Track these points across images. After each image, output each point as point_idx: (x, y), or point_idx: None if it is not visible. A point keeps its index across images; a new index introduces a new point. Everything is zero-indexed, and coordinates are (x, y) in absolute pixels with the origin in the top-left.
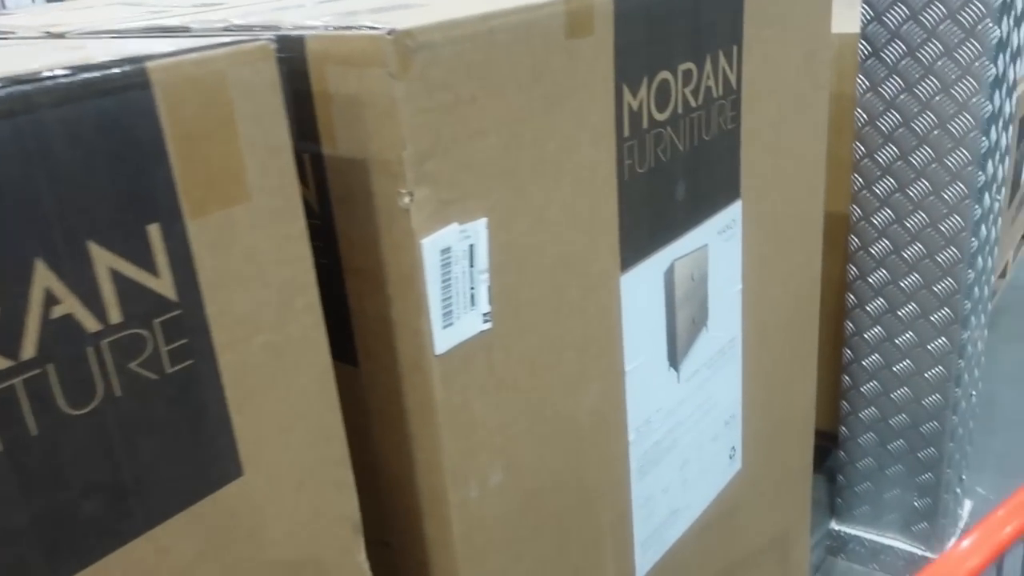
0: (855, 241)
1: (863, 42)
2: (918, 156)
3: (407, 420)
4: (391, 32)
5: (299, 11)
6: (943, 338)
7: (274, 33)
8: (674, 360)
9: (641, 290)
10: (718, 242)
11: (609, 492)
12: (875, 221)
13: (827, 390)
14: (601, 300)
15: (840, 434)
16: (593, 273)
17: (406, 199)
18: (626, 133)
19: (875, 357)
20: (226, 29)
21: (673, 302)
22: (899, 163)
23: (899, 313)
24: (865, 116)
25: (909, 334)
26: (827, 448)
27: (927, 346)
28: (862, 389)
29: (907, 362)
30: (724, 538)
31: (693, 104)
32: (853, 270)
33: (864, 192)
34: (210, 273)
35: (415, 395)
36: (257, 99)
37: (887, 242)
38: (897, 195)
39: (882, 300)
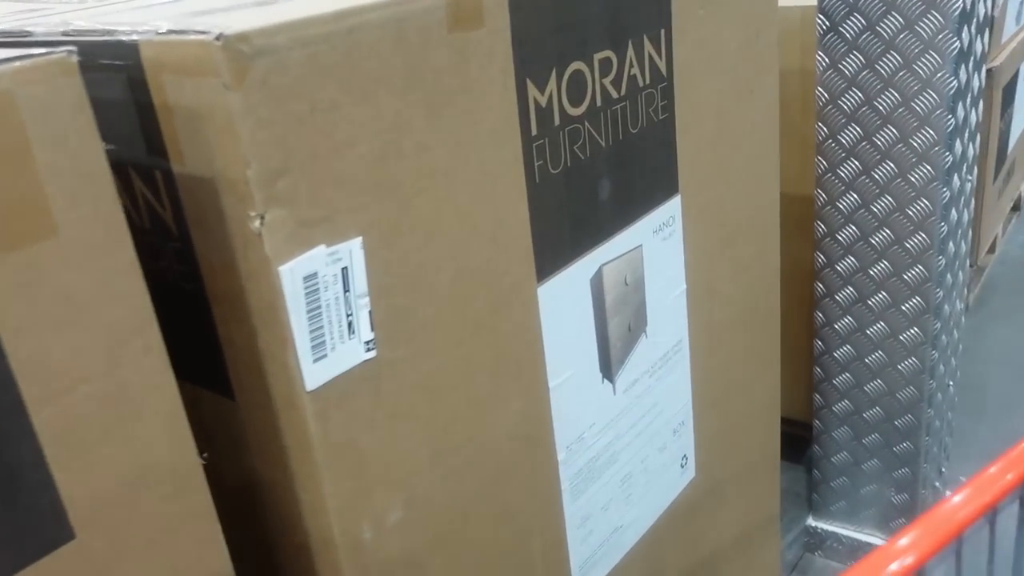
0: (821, 227)
1: (820, 16)
2: (882, 136)
3: (288, 457)
4: (220, 37)
5: (153, 10)
6: (915, 328)
7: (108, 38)
8: (608, 372)
9: (563, 300)
10: (655, 242)
11: (538, 517)
12: (841, 206)
13: (804, 380)
14: (515, 315)
15: (814, 427)
16: (503, 286)
17: (256, 223)
18: (534, 132)
19: (846, 348)
20: (64, 34)
21: (603, 310)
22: (863, 144)
23: (869, 303)
24: (826, 95)
25: (880, 324)
26: (806, 439)
27: (899, 337)
28: (835, 382)
29: (879, 353)
30: (681, 547)
31: (615, 95)
32: (821, 258)
33: (829, 175)
34: (13, 320)
35: (292, 433)
36: (57, 120)
37: (854, 228)
38: (863, 178)
39: (851, 289)
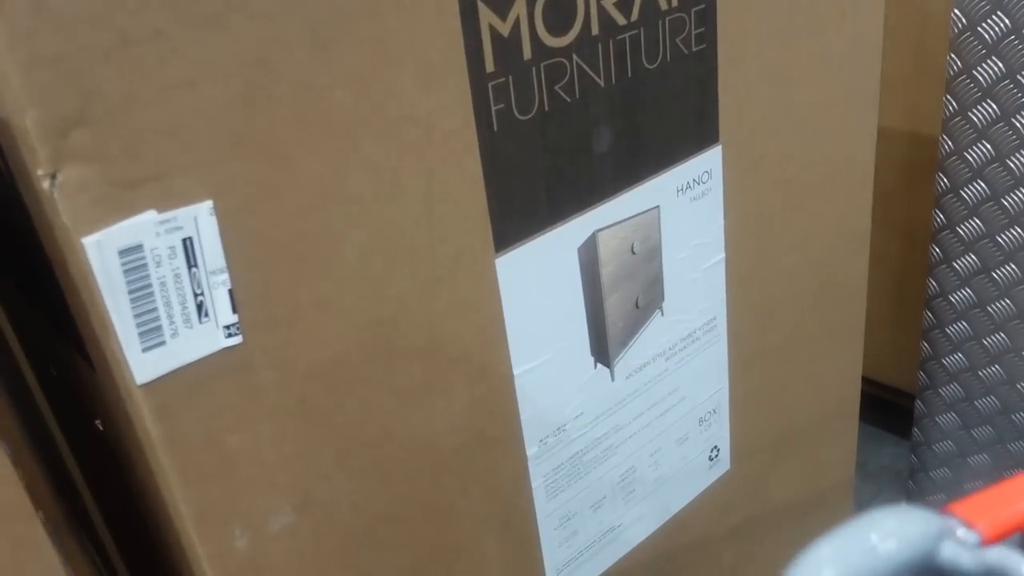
0: (943, 182)
1: None
2: None
3: (142, 452)
4: None
5: None
6: None
7: None
8: (604, 356)
9: (536, 274)
10: (680, 202)
11: (496, 518)
12: (970, 157)
13: (914, 351)
14: (460, 292)
15: (915, 409)
16: (440, 258)
17: (46, 182)
18: (490, 68)
19: (961, 325)
20: None
21: (598, 284)
22: (1006, 84)
23: (994, 275)
24: (963, 20)
25: (1005, 302)
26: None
27: None
28: (944, 361)
29: (1000, 336)
30: (715, 544)
31: (621, 21)
32: (940, 217)
33: (958, 119)
34: None
35: (137, 429)
36: None
37: (983, 185)
38: (1000, 126)
39: (973, 257)
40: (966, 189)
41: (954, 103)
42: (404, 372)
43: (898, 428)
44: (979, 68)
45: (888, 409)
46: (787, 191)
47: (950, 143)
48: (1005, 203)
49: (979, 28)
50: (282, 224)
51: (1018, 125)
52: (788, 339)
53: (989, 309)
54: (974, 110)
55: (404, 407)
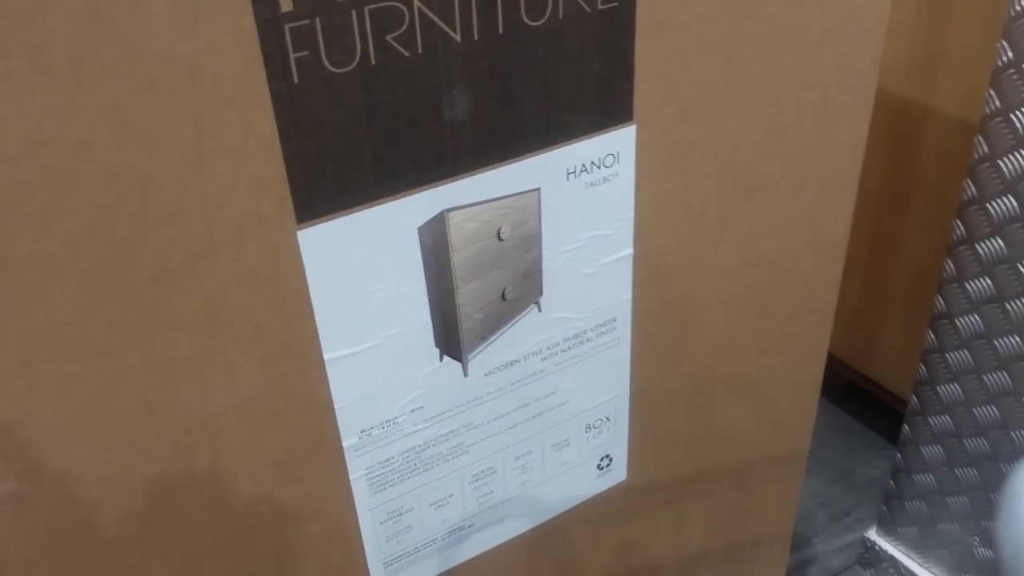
0: (971, 190)
1: None
2: None
3: None
4: None
5: None
6: None
7: None
8: (454, 348)
9: (357, 252)
10: (571, 188)
11: (304, 506)
12: (1005, 166)
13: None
14: (247, 264)
15: (902, 433)
16: (216, 224)
17: None
18: (286, 7)
19: (963, 354)
20: None
21: (446, 270)
22: None
23: (1008, 306)
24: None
25: (1014, 339)
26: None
27: None
28: (938, 389)
29: (1003, 375)
30: (601, 556)
31: None
32: (960, 229)
33: (999, 120)
34: None
35: None
36: None
37: (1012, 202)
38: None
39: (988, 281)
40: (994, 203)
41: (997, 100)
42: (169, 345)
43: (888, 435)
44: None
45: (895, 417)
46: (730, 183)
47: (985, 146)
48: None
49: None
50: None
51: None
52: (722, 350)
53: (996, 343)
54: (1020, 111)
55: (169, 382)
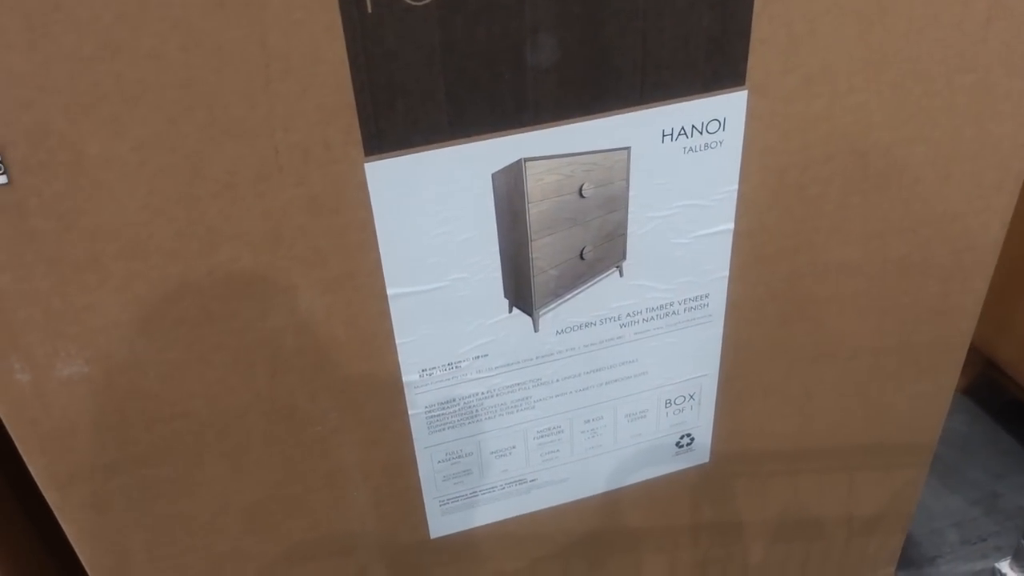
0: None
1: None
2: None
3: None
4: None
5: None
6: None
7: None
8: (524, 302)
9: (427, 191)
10: (667, 151)
11: (358, 432)
12: None
13: None
14: (311, 189)
15: None
16: (283, 147)
17: None
18: None
19: None
20: None
21: (520, 220)
22: None
23: None
24: None
25: None
26: None
27: None
28: None
29: None
30: (672, 538)
31: None
32: None
33: None
34: None
35: None
36: None
37: None
38: None
39: None
40: None
41: None
42: (232, 258)
43: None
44: None
45: None
46: (858, 167)
47: None
48: None
49: None
50: (71, 67)
51: None
52: (831, 350)
53: None
54: None
55: (231, 295)
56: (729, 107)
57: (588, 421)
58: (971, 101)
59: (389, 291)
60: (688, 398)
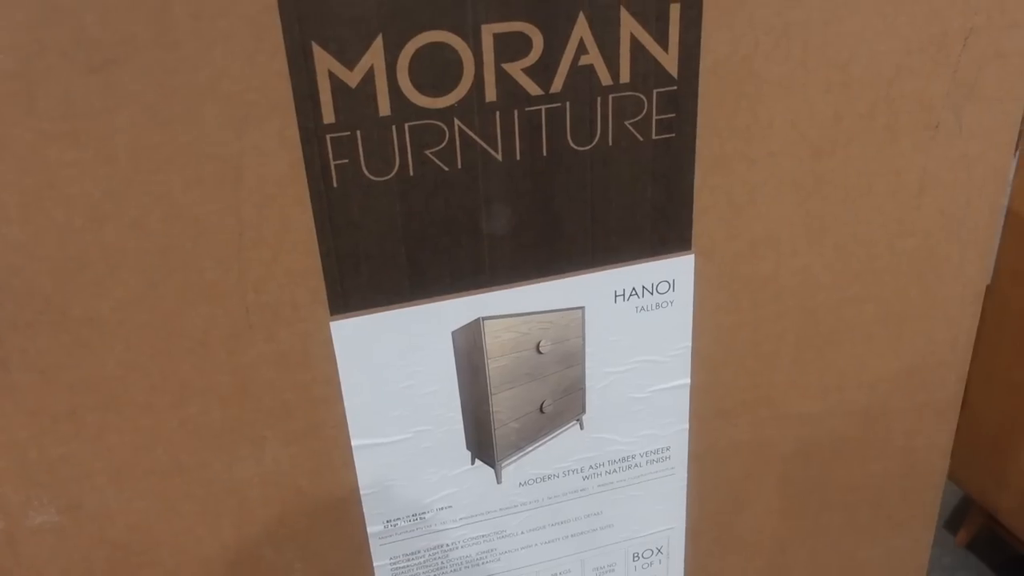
0: None
1: None
2: None
3: None
4: None
5: None
6: None
7: None
8: (487, 455)
9: (389, 348)
10: (619, 310)
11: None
12: None
13: None
14: (280, 346)
15: None
16: (254, 307)
17: None
18: (329, 119)
19: None
20: None
21: (480, 376)
22: None
23: None
24: None
25: None
26: None
27: None
28: None
29: None
30: None
31: (534, 91)
32: None
33: None
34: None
35: None
36: None
37: None
38: None
39: None
40: None
41: None
42: (202, 411)
43: None
44: None
45: None
46: (810, 325)
47: None
48: None
49: None
50: (61, 236)
51: None
52: (799, 502)
53: None
54: None
55: (201, 446)
56: (678, 270)
57: (556, 575)
58: (914, 263)
59: (354, 442)
60: (656, 551)
